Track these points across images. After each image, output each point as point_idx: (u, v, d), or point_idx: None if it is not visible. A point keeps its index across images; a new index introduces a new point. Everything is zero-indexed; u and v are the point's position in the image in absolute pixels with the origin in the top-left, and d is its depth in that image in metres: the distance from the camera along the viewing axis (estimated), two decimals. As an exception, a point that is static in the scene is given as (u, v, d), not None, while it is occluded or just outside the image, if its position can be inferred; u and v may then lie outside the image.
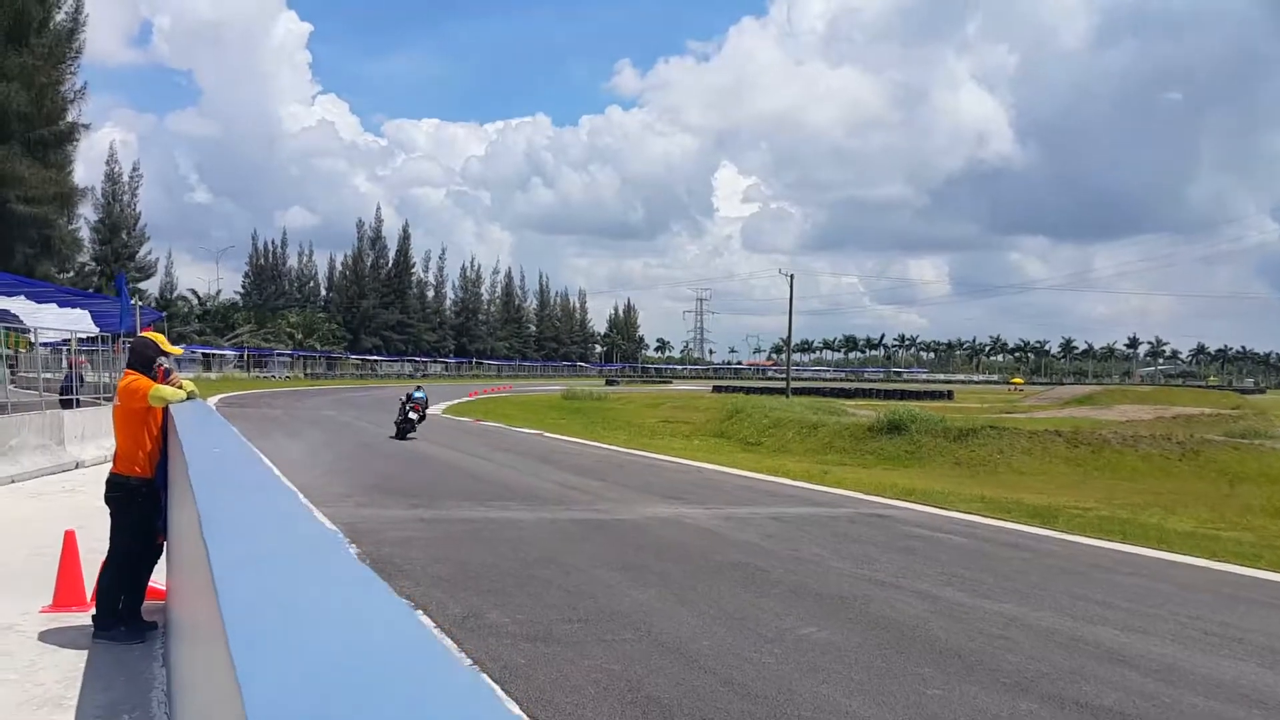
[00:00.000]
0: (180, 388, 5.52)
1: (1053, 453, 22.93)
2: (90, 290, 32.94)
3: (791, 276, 57.72)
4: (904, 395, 73.72)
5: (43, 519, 9.73)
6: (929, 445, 23.84)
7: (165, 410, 5.38)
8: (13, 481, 12.17)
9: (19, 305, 16.45)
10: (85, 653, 5.12)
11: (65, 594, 6.05)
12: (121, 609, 5.40)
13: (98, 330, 18.36)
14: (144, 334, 5.76)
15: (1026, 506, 14.96)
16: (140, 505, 5.36)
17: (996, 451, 22.97)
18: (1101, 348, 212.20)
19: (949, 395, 78.06)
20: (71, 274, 39.91)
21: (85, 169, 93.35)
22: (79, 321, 17.69)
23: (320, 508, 11.43)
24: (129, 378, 5.46)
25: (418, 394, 23.86)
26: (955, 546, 10.87)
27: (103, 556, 5.57)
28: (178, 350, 5.77)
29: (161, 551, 5.61)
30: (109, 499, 5.46)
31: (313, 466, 16.25)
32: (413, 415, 23.17)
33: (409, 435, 22.92)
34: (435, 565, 8.25)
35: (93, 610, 5.50)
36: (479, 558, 8.76)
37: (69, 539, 6.13)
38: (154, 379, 5.49)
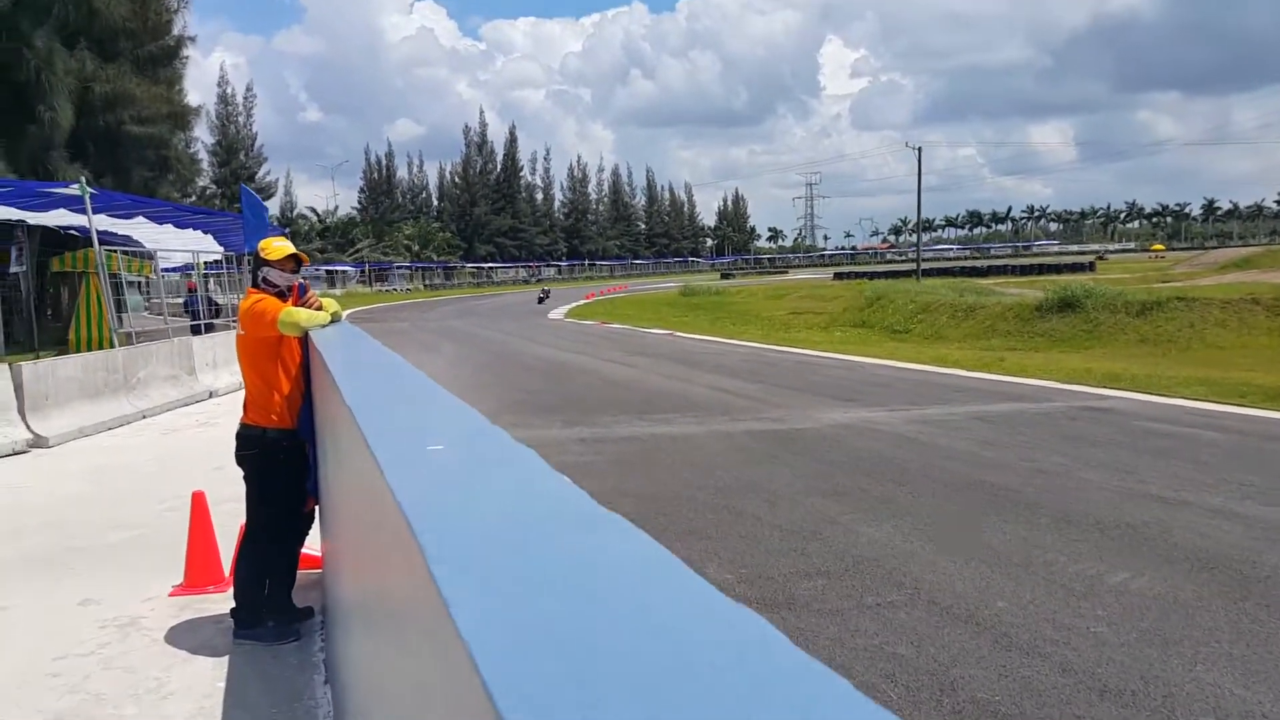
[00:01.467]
0: (321, 309, 4.24)
1: (1251, 324, 20.28)
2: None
3: (919, 149, 53.93)
4: (1041, 270, 69.79)
5: (176, 460, 8.94)
6: (1108, 323, 21.43)
7: (305, 339, 4.17)
8: (143, 417, 11.54)
9: (141, 230, 15.86)
10: (225, 661, 4.03)
11: (198, 571, 5.01)
12: (268, 594, 4.28)
13: (222, 250, 17.74)
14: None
15: (1258, 388, 12.87)
16: (283, 465, 4.16)
17: (1187, 325, 20.46)
18: (1248, 206, 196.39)
19: (1091, 267, 73.31)
20: (193, 198, 40.20)
21: (199, 94, 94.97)
22: (201, 243, 17.06)
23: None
24: (251, 298, 4.21)
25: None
26: (1212, 444, 9.09)
27: (243, 513, 4.44)
28: (281, 250, 4.35)
29: (313, 520, 4.46)
30: (241, 458, 4.29)
31: (454, 382, 15.32)
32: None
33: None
34: (620, 500, 7.01)
35: (232, 600, 4.37)
36: (664, 487, 7.50)
37: (198, 503, 5.06)
38: (283, 297, 4.24)
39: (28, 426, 9.69)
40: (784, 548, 5.72)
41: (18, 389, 9.68)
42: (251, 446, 4.21)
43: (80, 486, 8.03)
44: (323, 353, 3.36)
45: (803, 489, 7.30)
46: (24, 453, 9.44)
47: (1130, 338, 20.73)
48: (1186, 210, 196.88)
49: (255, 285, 4.31)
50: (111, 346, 12.45)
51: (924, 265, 63.87)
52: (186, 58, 25.92)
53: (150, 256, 16.43)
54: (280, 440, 4.16)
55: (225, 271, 19.79)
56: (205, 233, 16.62)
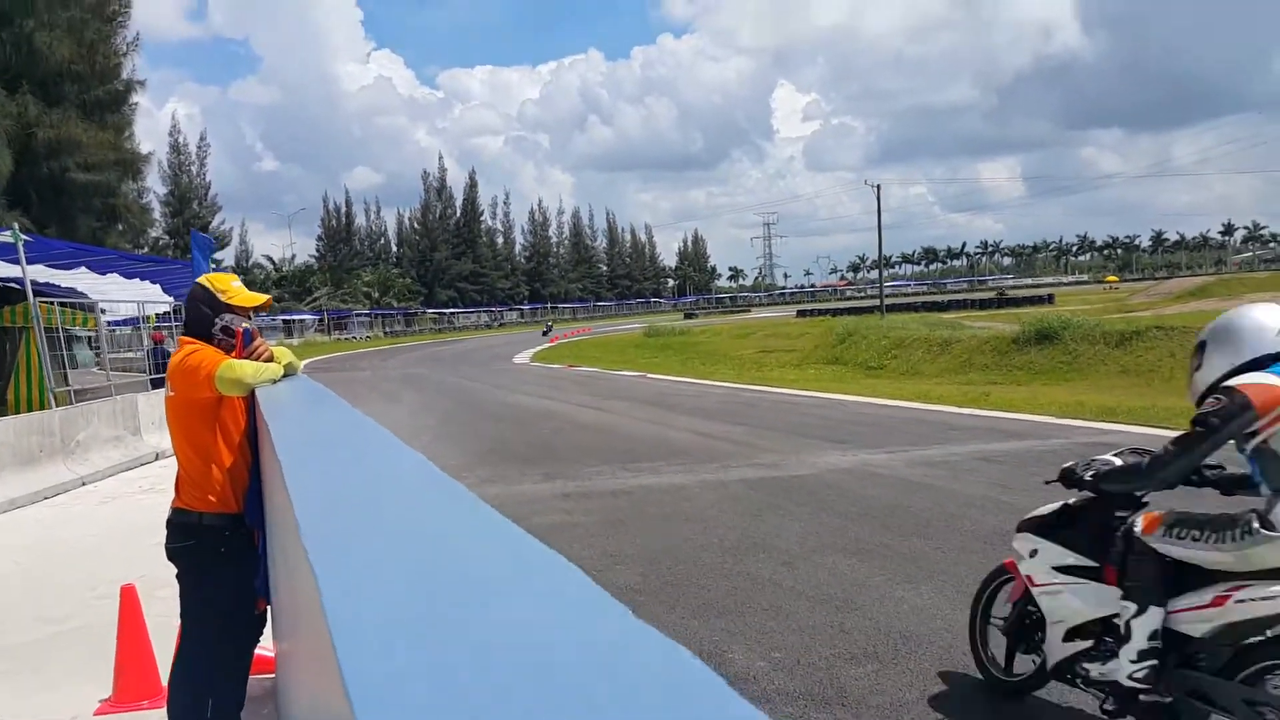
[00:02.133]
0: (270, 360, 3.36)
1: (1232, 352, 20.08)
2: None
3: (878, 186, 54.36)
4: (1001, 303, 70.31)
5: (116, 534, 8.02)
6: (1087, 354, 21.13)
7: (251, 399, 3.35)
8: (83, 484, 10.56)
9: (84, 281, 14.92)
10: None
11: (129, 683, 4.16)
12: (210, 714, 3.44)
13: (171, 300, 16.78)
14: (199, 280, 3.68)
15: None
16: (226, 559, 3.34)
17: (1167, 354, 20.14)
18: (1194, 237, 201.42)
19: (1049, 299, 74.20)
20: (145, 248, 38.99)
21: (151, 143, 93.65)
22: (148, 293, 16.09)
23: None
24: (184, 350, 3.40)
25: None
26: (1232, 481, 8.55)
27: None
28: (253, 298, 3.57)
29: (264, 623, 3.64)
30: (174, 552, 3.45)
31: (418, 432, 14.50)
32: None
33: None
34: (616, 568, 6.26)
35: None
36: (663, 549, 6.75)
37: (128, 600, 4.22)
38: (229, 349, 3.41)
39: (-51, 499, 8.72)
40: (817, 622, 5.00)
41: (-63, 457, 8.72)
42: (186, 537, 3.37)
43: (2, 570, 7.10)
44: (268, 419, 2.62)
45: (818, 545, 6.60)
46: (-57, 529, 8.46)
47: (1110, 368, 20.42)
48: (1136, 242, 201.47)
49: (204, 336, 3.49)
50: (48, 407, 11.48)
51: (885, 301, 64.20)
52: (136, 104, 24.98)
53: (92, 309, 15.42)
54: (221, 528, 3.33)
55: (174, 324, 18.77)
56: (153, 282, 15.68)
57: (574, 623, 0.69)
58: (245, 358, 3.33)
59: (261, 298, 3.57)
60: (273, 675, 4.05)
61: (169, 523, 3.44)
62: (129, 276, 14.45)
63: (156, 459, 12.33)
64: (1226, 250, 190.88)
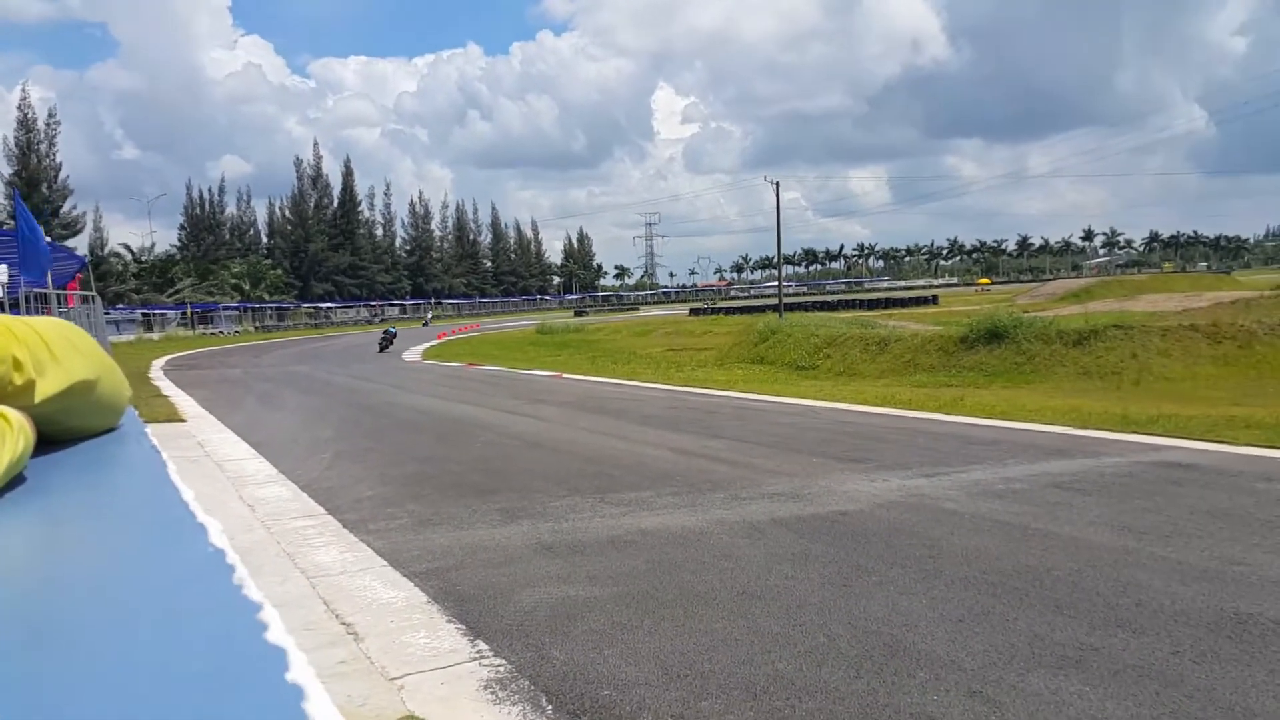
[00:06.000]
0: None
1: (1194, 353, 19.06)
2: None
3: (777, 184, 53.03)
4: (889, 304, 71.03)
5: None
6: (1043, 354, 19.82)
7: None
8: None
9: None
10: None
11: None
12: None
13: (24, 284, 13.25)
14: None
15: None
16: None
17: (1129, 355, 19.04)
18: (1057, 242, 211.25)
19: (934, 300, 76.04)
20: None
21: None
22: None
23: (363, 534, 7.03)
24: None
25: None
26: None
27: None
28: None
29: None
30: None
31: (314, 449, 11.68)
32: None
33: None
34: (702, 705, 3.86)
35: None
36: (751, 662, 4.38)
37: None
38: None
39: None
40: None
41: None
42: None
43: None
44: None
45: (993, 650, 4.37)
46: None
47: (1070, 370, 19.15)
48: (1003, 246, 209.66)
49: None
50: None
51: (772, 301, 63.31)
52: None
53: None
54: None
55: (8, 296, 15.13)
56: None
57: None
58: None
59: None
60: None
61: None
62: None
63: None
64: (1086, 254, 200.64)
